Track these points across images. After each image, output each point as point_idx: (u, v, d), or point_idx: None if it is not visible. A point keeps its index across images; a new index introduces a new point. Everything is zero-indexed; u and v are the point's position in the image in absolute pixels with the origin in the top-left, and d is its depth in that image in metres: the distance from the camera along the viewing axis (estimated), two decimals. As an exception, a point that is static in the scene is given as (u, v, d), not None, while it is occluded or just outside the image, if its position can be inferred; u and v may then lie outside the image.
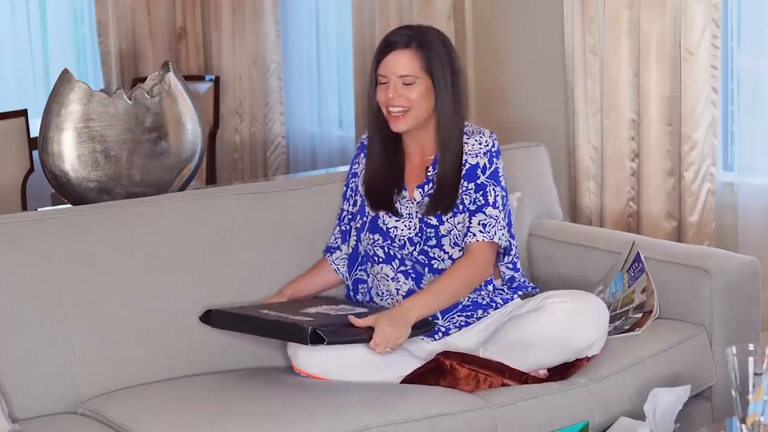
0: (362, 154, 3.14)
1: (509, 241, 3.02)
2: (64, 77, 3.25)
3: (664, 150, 4.16)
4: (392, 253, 3.02)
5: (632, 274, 3.18)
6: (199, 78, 6.23)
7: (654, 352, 3.02)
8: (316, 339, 2.73)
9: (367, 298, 3.08)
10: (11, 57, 6.65)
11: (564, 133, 4.54)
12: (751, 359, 2.26)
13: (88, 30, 6.80)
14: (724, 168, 4.22)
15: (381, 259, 3.04)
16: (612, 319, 3.08)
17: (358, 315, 2.87)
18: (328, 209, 3.22)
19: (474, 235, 2.95)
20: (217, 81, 6.15)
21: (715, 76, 4.03)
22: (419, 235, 2.99)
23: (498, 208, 2.98)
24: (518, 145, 3.66)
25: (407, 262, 3.01)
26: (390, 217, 3.03)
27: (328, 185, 3.26)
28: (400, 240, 3.01)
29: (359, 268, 3.10)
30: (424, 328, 2.91)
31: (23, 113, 4.83)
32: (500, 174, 3.01)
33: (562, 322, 2.84)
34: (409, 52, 2.95)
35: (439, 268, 3.00)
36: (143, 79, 3.80)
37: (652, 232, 4.15)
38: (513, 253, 3.06)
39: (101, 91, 3.25)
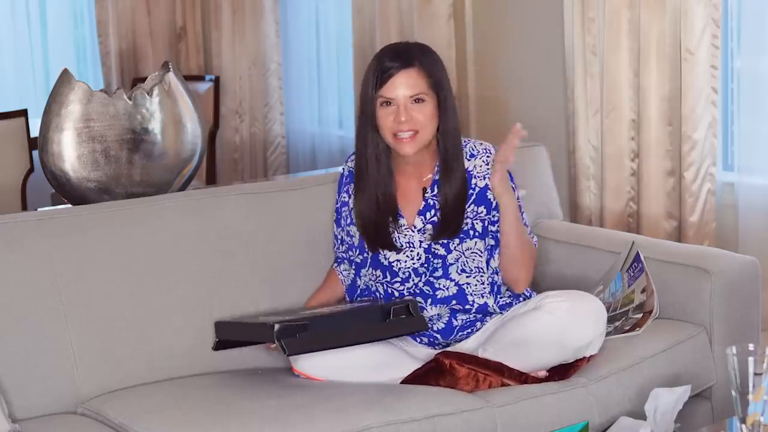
0: (352, 184, 3.02)
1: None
2: (64, 77, 3.25)
3: (664, 150, 4.16)
4: (390, 291, 2.96)
5: (632, 274, 3.18)
6: (199, 78, 6.24)
7: (654, 352, 3.02)
8: (283, 335, 2.70)
9: None
10: (11, 57, 6.65)
11: (564, 133, 4.54)
12: (751, 359, 2.27)
13: (88, 30, 6.80)
14: (724, 168, 4.22)
15: (380, 296, 3.00)
16: (612, 319, 3.08)
17: (360, 309, 2.86)
18: (328, 209, 3.21)
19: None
20: (217, 81, 6.15)
21: (715, 76, 4.03)
22: (425, 265, 2.94)
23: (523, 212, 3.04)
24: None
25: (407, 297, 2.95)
26: (391, 252, 2.95)
27: (328, 185, 3.25)
28: (404, 273, 2.95)
29: (359, 298, 3.07)
30: (416, 321, 2.88)
31: (23, 113, 4.83)
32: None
33: (560, 321, 2.84)
34: (414, 70, 2.86)
35: (442, 297, 2.94)
36: (143, 79, 3.79)
37: (652, 232, 4.15)
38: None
39: (101, 91, 3.25)
